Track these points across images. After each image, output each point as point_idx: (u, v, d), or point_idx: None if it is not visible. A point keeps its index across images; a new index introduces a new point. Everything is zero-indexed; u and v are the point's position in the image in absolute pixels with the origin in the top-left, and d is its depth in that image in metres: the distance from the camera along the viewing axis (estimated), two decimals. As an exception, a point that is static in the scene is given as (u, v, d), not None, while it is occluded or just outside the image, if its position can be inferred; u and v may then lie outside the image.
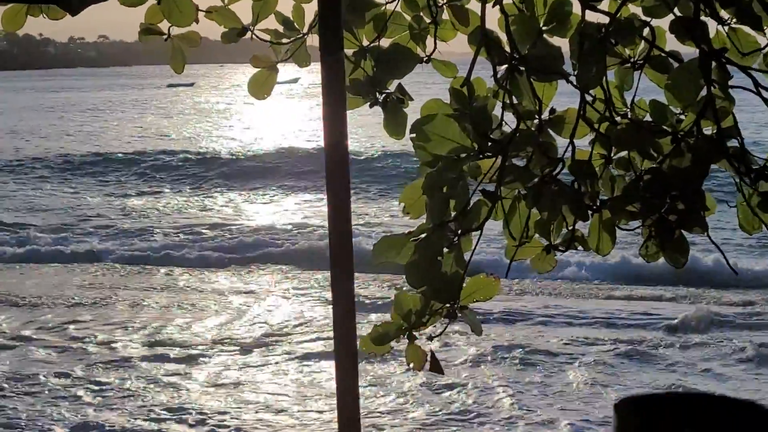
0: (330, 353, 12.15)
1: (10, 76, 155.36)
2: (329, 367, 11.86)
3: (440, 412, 10.51)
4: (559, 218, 2.95)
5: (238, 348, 13.17)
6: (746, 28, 2.96)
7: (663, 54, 2.98)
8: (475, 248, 2.89)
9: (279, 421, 10.41)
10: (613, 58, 3.01)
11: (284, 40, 3.23)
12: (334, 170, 2.76)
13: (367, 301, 15.43)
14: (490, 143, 2.83)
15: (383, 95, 3.13)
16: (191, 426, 10.30)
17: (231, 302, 16.18)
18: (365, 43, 3.15)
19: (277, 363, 12.49)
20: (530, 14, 2.92)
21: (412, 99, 3.16)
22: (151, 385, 11.56)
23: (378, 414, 10.50)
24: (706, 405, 3.17)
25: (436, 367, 2.91)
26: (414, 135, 2.81)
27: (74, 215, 27.30)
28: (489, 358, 12.40)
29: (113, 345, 13.35)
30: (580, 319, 14.67)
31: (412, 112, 3.04)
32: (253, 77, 3.29)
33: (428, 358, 2.92)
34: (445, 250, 2.82)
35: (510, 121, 2.90)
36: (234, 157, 37.67)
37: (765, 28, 2.93)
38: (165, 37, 3.22)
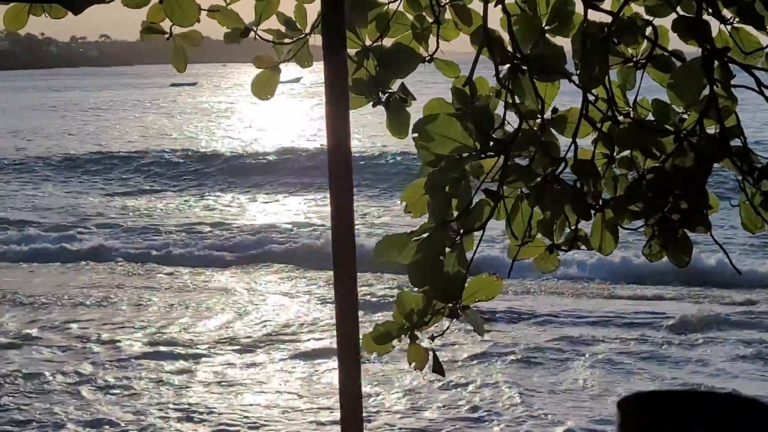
0: (332, 351, 12.17)
1: (13, 76, 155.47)
2: (332, 365, 11.87)
3: (447, 410, 10.52)
4: (561, 218, 2.95)
5: (240, 347, 13.17)
6: (749, 28, 2.96)
7: (665, 53, 2.98)
8: (477, 248, 2.89)
9: (283, 420, 10.41)
10: (616, 58, 3.01)
11: (286, 40, 3.23)
12: (337, 169, 2.76)
13: (373, 300, 15.43)
14: (492, 143, 2.82)
15: (386, 95, 3.13)
16: (196, 423, 10.31)
17: (233, 301, 16.18)
18: (368, 42, 3.15)
19: (280, 362, 12.49)
20: (532, 14, 2.92)
21: (414, 98, 3.16)
22: (156, 384, 11.57)
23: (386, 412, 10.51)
24: (710, 403, 3.17)
25: (438, 369, 2.91)
26: (416, 134, 2.81)
27: (76, 214, 27.33)
28: (493, 356, 12.41)
29: (117, 344, 13.36)
30: (584, 318, 14.67)
31: (415, 112, 3.04)
32: (255, 78, 3.29)
33: (430, 359, 2.92)
34: (447, 249, 2.82)
35: (512, 121, 2.90)
36: (236, 156, 37.69)
37: (767, 27, 2.93)
38: (167, 36, 3.22)
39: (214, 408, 10.75)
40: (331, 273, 2.74)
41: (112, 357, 12.72)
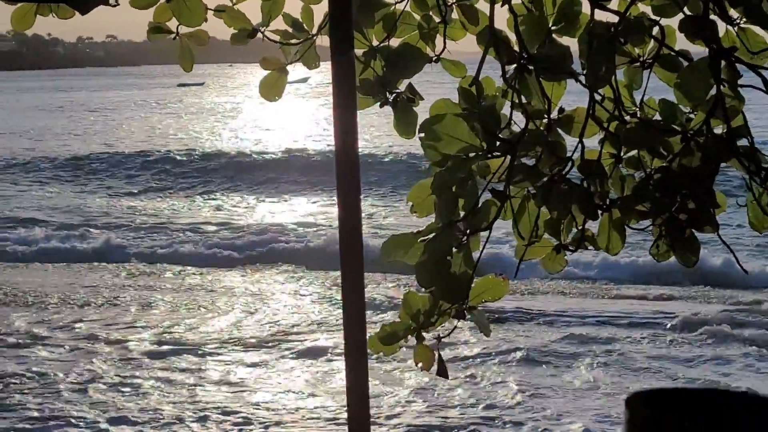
0: (339, 352, 12.18)
1: (19, 76, 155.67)
2: (339, 365, 11.88)
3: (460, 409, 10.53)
4: (568, 218, 2.95)
5: (247, 347, 13.18)
6: (755, 28, 2.96)
7: (672, 53, 2.98)
8: (483, 248, 2.88)
9: (290, 420, 10.41)
10: (623, 57, 3.01)
11: (293, 41, 3.23)
12: (344, 169, 2.76)
13: (377, 301, 15.44)
14: (499, 142, 2.82)
15: (393, 95, 3.12)
16: (204, 421, 10.32)
17: (239, 301, 16.19)
18: (375, 43, 3.14)
19: (286, 361, 12.50)
20: (539, 14, 2.91)
21: (422, 98, 3.16)
22: (168, 383, 11.59)
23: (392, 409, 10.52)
24: (717, 400, 3.17)
25: (442, 371, 2.90)
26: (423, 134, 2.81)
27: (84, 214, 27.35)
28: (500, 355, 12.41)
29: (126, 343, 13.38)
30: (590, 318, 14.66)
31: (422, 112, 3.04)
32: (263, 79, 3.29)
33: (436, 361, 2.92)
34: (454, 249, 2.82)
35: (519, 121, 2.90)
36: (244, 156, 37.71)
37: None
38: (173, 35, 3.23)
39: (223, 407, 10.77)
40: (335, 273, 2.74)
41: (122, 356, 12.74)
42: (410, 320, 2.88)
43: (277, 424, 10.32)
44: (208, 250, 21.68)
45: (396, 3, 3.14)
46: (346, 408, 2.81)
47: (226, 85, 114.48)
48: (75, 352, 12.97)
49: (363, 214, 2.87)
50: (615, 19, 2.89)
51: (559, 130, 2.95)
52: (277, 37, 3.23)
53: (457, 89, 2.91)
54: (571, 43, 2.92)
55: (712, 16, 2.89)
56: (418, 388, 11.10)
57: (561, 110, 2.95)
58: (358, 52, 3.08)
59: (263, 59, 3.26)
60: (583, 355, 12.58)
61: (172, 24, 3.21)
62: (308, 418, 10.45)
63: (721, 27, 2.92)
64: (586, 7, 2.91)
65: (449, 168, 2.78)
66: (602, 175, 2.93)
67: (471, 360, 12.25)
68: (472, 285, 2.85)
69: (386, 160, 34.50)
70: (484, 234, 2.85)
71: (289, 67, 3.29)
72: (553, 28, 2.91)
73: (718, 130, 2.92)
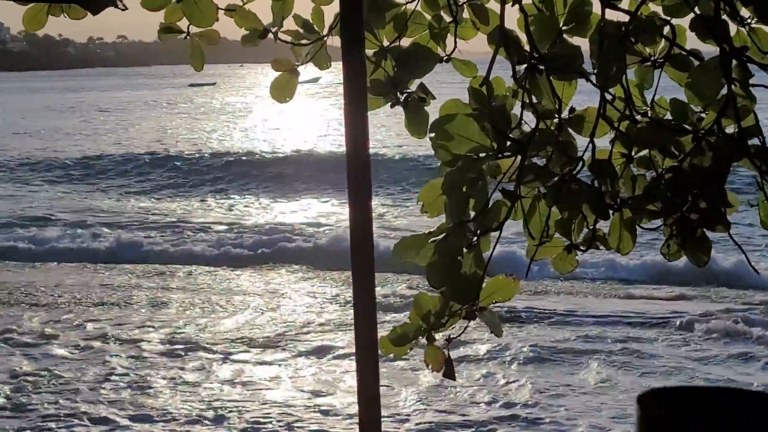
0: (349, 352, 12.19)
1: (31, 76, 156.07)
2: (350, 365, 11.89)
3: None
4: (579, 217, 2.94)
5: (258, 346, 13.20)
6: (767, 27, 2.95)
7: (683, 52, 2.97)
8: (494, 248, 2.88)
9: (302, 419, 10.42)
10: (634, 57, 3.00)
11: (304, 42, 3.23)
12: (355, 169, 2.77)
13: (387, 301, 15.45)
14: (509, 142, 2.82)
15: (404, 95, 3.12)
16: (216, 420, 10.35)
17: (250, 301, 16.22)
18: (386, 43, 3.14)
19: (297, 361, 12.51)
20: (550, 14, 2.91)
21: (434, 98, 3.15)
22: (181, 382, 11.62)
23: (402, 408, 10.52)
24: (729, 398, 3.17)
25: (449, 373, 2.90)
26: (433, 134, 2.81)
27: (95, 213, 27.40)
28: (513, 354, 12.42)
29: (138, 342, 13.42)
30: (602, 317, 14.65)
31: (433, 111, 3.04)
32: (274, 81, 3.30)
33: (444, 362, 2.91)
34: (465, 250, 2.82)
35: (529, 121, 2.90)
36: (255, 155, 37.77)
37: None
38: (184, 35, 3.24)
39: (237, 406, 10.79)
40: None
41: (135, 355, 12.77)
42: (421, 321, 2.88)
43: (290, 423, 10.32)
44: (218, 249, 21.71)
45: (407, 3, 3.14)
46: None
47: (238, 86, 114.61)
48: (87, 351, 13.00)
49: (373, 214, 2.87)
50: (626, 18, 2.88)
51: (570, 130, 2.95)
52: (288, 38, 3.23)
53: (467, 89, 2.91)
54: (582, 42, 2.92)
55: (723, 16, 2.88)
56: (431, 386, 11.11)
57: (572, 110, 2.95)
58: (369, 52, 3.08)
59: (274, 60, 3.27)
60: (595, 353, 12.58)
61: (183, 24, 3.22)
62: (320, 418, 10.45)
63: (732, 27, 2.91)
64: (596, 7, 2.91)
65: (460, 168, 2.78)
66: (613, 174, 2.93)
67: (483, 358, 12.24)
68: (483, 285, 2.85)
69: (396, 158, 34.50)
70: (494, 234, 2.85)
71: (300, 67, 3.30)
72: (564, 28, 2.90)
73: (730, 129, 2.92)
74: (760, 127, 2.94)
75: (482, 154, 2.80)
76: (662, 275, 17.68)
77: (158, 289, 17.39)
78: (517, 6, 2.89)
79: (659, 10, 2.97)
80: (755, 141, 2.92)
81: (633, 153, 3.01)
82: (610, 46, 2.83)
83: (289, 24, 3.23)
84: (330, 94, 79.00)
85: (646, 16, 2.93)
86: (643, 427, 3.01)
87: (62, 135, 51.14)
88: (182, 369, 12.19)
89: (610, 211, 2.93)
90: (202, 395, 11.20)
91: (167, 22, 3.21)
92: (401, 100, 3.12)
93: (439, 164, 2.87)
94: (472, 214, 2.80)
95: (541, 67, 2.87)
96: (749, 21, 2.95)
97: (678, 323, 14.13)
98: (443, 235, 2.79)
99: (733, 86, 2.85)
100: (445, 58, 3.14)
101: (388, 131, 39.80)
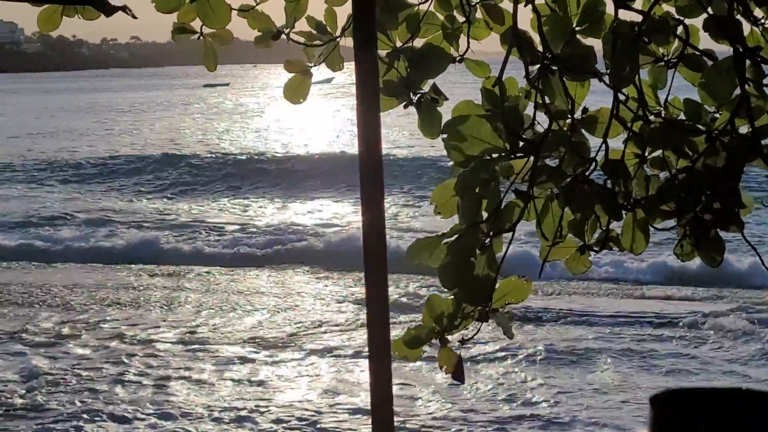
0: (361, 353, 12.20)
1: (45, 77, 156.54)
2: (362, 366, 11.90)
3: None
4: (593, 218, 2.94)
5: (271, 347, 13.22)
6: (781, 27, 2.94)
7: (697, 52, 2.96)
8: (507, 250, 2.88)
9: (317, 419, 10.43)
10: (647, 57, 3.00)
11: (317, 43, 3.24)
12: (368, 169, 2.77)
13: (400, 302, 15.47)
14: (522, 143, 2.82)
15: (417, 95, 3.12)
16: (237, 420, 10.37)
17: (263, 301, 16.24)
18: (398, 44, 3.14)
19: (311, 362, 12.53)
20: (563, 14, 2.90)
21: (447, 98, 3.15)
22: (193, 380, 11.66)
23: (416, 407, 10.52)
24: (742, 400, 3.16)
25: (459, 375, 2.90)
26: (446, 135, 2.81)
27: (109, 214, 27.47)
28: (527, 353, 12.42)
29: (153, 342, 13.46)
30: (616, 318, 14.64)
31: (446, 112, 3.04)
32: (288, 82, 3.30)
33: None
34: (477, 251, 2.81)
35: (542, 121, 2.89)
36: (269, 156, 37.83)
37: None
38: (198, 35, 3.24)
39: (253, 406, 10.81)
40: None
41: (150, 354, 12.80)
42: (434, 323, 2.88)
43: (304, 423, 10.33)
44: (231, 249, 21.76)
45: (419, 3, 3.14)
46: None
47: (251, 86, 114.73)
48: (103, 351, 13.03)
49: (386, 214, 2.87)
50: (639, 18, 2.88)
51: (583, 131, 2.94)
52: (301, 39, 3.24)
53: (480, 90, 2.91)
54: (595, 42, 2.92)
55: (737, 16, 2.87)
56: (445, 384, 11.11)
57: (585, 110, 2.94)
58: (382, 53, 3.08)
59: (287, 62, 3.27)
60: (608, 353, 12.56)
61: (196, 24, 3.23)
62: (334, 417, 10.46)
63: (746, 26, 2.90)
64: (609, 7, 2.91)
65: (472, 169, 2.78)
66: (626, 175, 2.92)
67: (497, 357, 12.25)
68: (496, 287, 2.85)
69: (408, 162, 34.50)
70: (507, 235, 2.85)
71: (313, 68, 3.30)
72: (577, 28, 2.90)
73: (743, 129, 2.91)
74: (774, 127, 2.93)
75: (495, 155, 2.79)
76: (675, 276, 17.66)
77: (172, 289, 17.43)
78: (529, 6, 2.89)
79: (672, 10, 2.96)
80: (769, 141, 2.92)
81: (646, 153, 3.00)
82: (623, 47, 2.83)
83: (302, 25, 3.24)
84: (343, 94, 79.07)
85: (659, 16, 2.92)
86: (655, 428, 3.01)
87: (77, 135, 51.30)
88: (197, 368, 12.22)
89: (623, 212, 2.93)
90: (218, 394, 11.23)
91: (180, 22, 3.22)
92: (414, 101, 3.11)
93: (451, 164, 2.87)
94: (485, 215, 2.80)
95: (554, 67, 2.86)
96: (763, 21, 2.94)
97: (692, 323, 14.10)
98: (456, 236, 2.78)
99: (746, 86, 2.84)
100: (458, 59, 3.14)
101: (401, 131, 39.83)
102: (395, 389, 10.59)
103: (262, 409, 10.72)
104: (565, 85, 2.89)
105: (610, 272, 18.40)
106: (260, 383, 11.68)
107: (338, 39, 3.23)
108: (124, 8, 2.88)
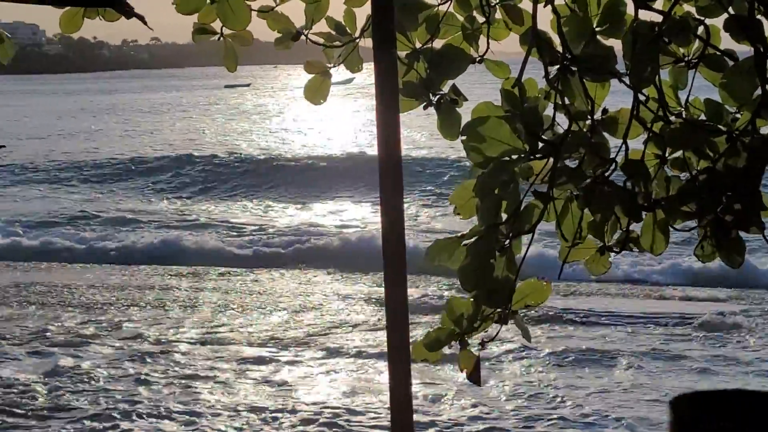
0: (379, 354, 12.20)
1: (66, 79, 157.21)
2: (382, 367, 11.90)
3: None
4: (612, 219, 2.93)
5: (291, 346, 13.24)
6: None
7: (718, 53, 2.95)
8: (527, 252, 2.87)
9: (336, 420, 10.44)
10: (667, 57, 2.99)
11: (336, 43, 3.24)
12: (387, 170, 2.77)
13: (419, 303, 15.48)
14: (541, 144, 2.81)
15: (437, 96, 3.12)
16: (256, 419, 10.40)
17: (280, 302, 16.27)
18: (418, 45, 3.14)
19: (327, 360, 12.55)
20: (583, 14, 2.90)
21: (466, 99, 3.15)
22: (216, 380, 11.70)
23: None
24: (763, 402, 3.15)
25: (476, 377, 2.89)
26: (465, 137, 2.80)
27: (131, 215, 27.58)
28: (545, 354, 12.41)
29: (172, 342, 13.51)
30: (635, 318, 14.60)
31: (466, 113, 3.03)
32: (308, 83, 3.31)
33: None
34: (497, 253, 2.81)
35: (562, 122, 2.89)
36: (289, 156, 37.93)
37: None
38: (218, 36, 3.26)
39: (271, 407, 10.83)
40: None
41: (171, 354, 12.84)
42: (453, 325, 2.88)
43: (327, 422, 10.35)
44: (250, 249, 21.81)
45: (439, 4, 3.14)
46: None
47: (272, 87, 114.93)
48: (124, 350, 13.08)
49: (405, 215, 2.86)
50: (659, 18, 2.87)
51: (603, 132, 2.93)
52: (320, 40, 3.25)
53: (499, 91, 2.91)
54: (615, 43, 2.91)
55: (758, 16, 2.86)
56: (463, 383, 11.10)
57: (605, 111, 2.94)
58: (401, 54, 3.08)
59: (307, 63, 3.28)
60: (628, 355, 12.53)
61: (216, 25, 3.24)
62: (355, 418, 10.47)
63: (767, 26, 2.89)
64: (629, 8, 2.90)
65: (492, 170, 2.77)
66: (646, 176, 2.91)
67: (514, 357, 12.24)
68: (515, 288, 2.84)
69: (429, 157, 34.51)
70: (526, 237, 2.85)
71: (332, 69, 3.31)
72: (597, 29, 2.89)
73: (764, 130, 2.90)
74: (795, 128, 2.92)
75: (514, 157, 2.79)
76: (696, 277, 17.62)
77: (192, 289, 17.49)
78: (549, 7, 2.88)
79: (693, 10, 2.95)
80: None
81: (667, 154, 2.99)
82: (643, 47, 2.82)
83: (322, 26, 3.25)
84: (363, 95, 79.11)
85: (679, 16, 2.91)
86: (675, 431, 3.00)
87: (98, 136, 51.53)
88: (220, 368, 12.26)
89: (643, 213, 2.92)
90: (240, 394, 11.26)
91: (201, 22, 3.23)
92: (433, 102, 3.11)
93: (471, 165, 2.87)
94: (504, 216, 2.80)
95: (574, 68, 2.86)
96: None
97: (713, 324, 14.05)
98: (475, 237, 2.78)
99: (767, 86, 2.83)
100: (477, 59, 3.13)
101: (419, 132, 39.83)
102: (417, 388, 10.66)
103: (284, 410, 10.73)
104: (585, 85, 2.88)
105: (629, 273, 18.36)
106: (281, 383, 11.70)
107: (357, 40, 3.24)
108: (142, 18, 2.91)
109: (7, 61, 3.32)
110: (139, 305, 16.02)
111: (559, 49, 2.87)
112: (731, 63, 2.92)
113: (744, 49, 2.92)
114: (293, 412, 10.68)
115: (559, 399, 10.90)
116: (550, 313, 14.56)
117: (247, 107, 76.10)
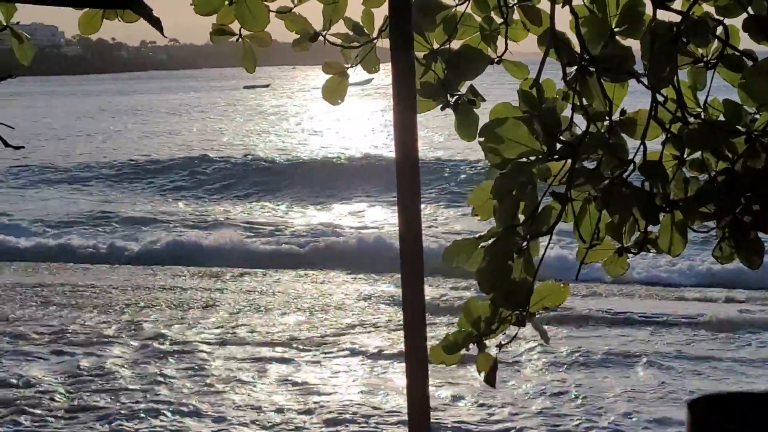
0: (396, 355, 12.20)
1: (85, 80, 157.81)
2: (399, 368, 11.90)
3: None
4: (630, 220, 2.92)
5: (306, 347, 13.26)
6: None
7: (737, 53, 2.94)
8: (545, 253, 2.86)
9: (353, 420, 10.45)
10: (686, 58, 2.97)
11: (354, 44, 3.25)
12: (404, 171, 2.76)
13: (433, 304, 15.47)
14: (559, 145, 2.80)
15: (454, 97, 3.12)
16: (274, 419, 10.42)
17: (299, 302, 16.29)
18: (435, 46, 3.14)
19: (344, 361, 12.56)
20: (601, 15, 2.89)
21: (484, 100, 3.14)
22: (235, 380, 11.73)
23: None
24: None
25: (491, 379, 2.89)
26: (483, 138, 2.80)
27: (148, 215, 27.66)
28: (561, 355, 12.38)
29: (192, 341, 13.55)
30: (654, 318, 14.56)
31: (483, 114, 3.03)
32: (326, 84, 3.32)
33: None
34: (515, 255, 2.80)
35: (580, 123, 2.88)
36: (307, 157, 37.99)
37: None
38: (236, 37, 3.27)
39: (287, 407, 10.85)
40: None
41: (189, 354, 12.87)
42: (471, 327, 2.87)
43: (344, 422, 10.36)
44: (269, 250, 21.83)
45: (457, 5, 3.14)
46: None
47: (290, 87, 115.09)
48: (144, 350, 13.12)
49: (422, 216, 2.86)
50: (678, 18, 2.86)
51: (621, 133, 2.92)
52: (338, 41, 3.25)
53: (517, 92, 2.90)
54: (633, 43, 2.90)
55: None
56: (477, 384, 11.09)
57: (623, 112, 2.93)
58: (419, 54, 3.08)
59: (325, 64, 3.29)
60: (645, 356, 12.49)
61: (235, 26, 3.25)
62: (373, 419, 10.47)
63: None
64: (648, 8, 2.89)
65: (510, 171, 2.77)
66: (664, 177, 2.90)
67: (530, 359, 12.22)
68: (533, 290, 2.84)
69: (444, 158, 34.47)
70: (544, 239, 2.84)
71: (350, 69, 3.32)
72: (616, 29, 2.88)
73: (784, 130, 2.89)
74: (814, 128, 2.90)
75: (532, 158, 2.78)
76: (713, 278, 17.56)
77: (212, 290, 17.53)
78: (567, 7, 2.87)
79: (712, 10, 2.94)
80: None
81: (685, 155, 2.98)
82: (661, 47, 2.81)
83: (340, 27, 3.25)
84: (381, 96, 79.13)
85: (698, 16, 2.90)
86: (694, 433, 2.99)
87: (117, 137, 51.71)
88: (238, 368, 12.29)
89: (661, 214, 2.91)
90: (260, 395, 11.28)
91: (219, 23, 3.24)
92: (451, 103, 3.11)
93: (489, 166, 2.86)
94: (522, 218, 2.79)
95: (592, 68, 2.85)
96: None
97: (732, 325, 14.00)
98: (493, 239, 2.77)
99: (787, 87, 2.82)
100: (495, 60, 3.13)
101: (438, 133, 39.82)
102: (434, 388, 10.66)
103: (304, 409, 10.75)
104: (603, 86, 2.87)
105: (647, 274, 18.30)
106: (301, 383, 11.71)
107: (375, 40, 3.24)
108: (159, 24, 2.92)
109: (28, 62, 3.33)
110: (157, 305, 16.07)
111: (578, 49, 2.87)
112: (750, 63, 2.91)
113: (763, 50, 2.91)
114: (311, 412, 10.70)
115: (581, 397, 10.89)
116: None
117: (265, 108, 76.22)
